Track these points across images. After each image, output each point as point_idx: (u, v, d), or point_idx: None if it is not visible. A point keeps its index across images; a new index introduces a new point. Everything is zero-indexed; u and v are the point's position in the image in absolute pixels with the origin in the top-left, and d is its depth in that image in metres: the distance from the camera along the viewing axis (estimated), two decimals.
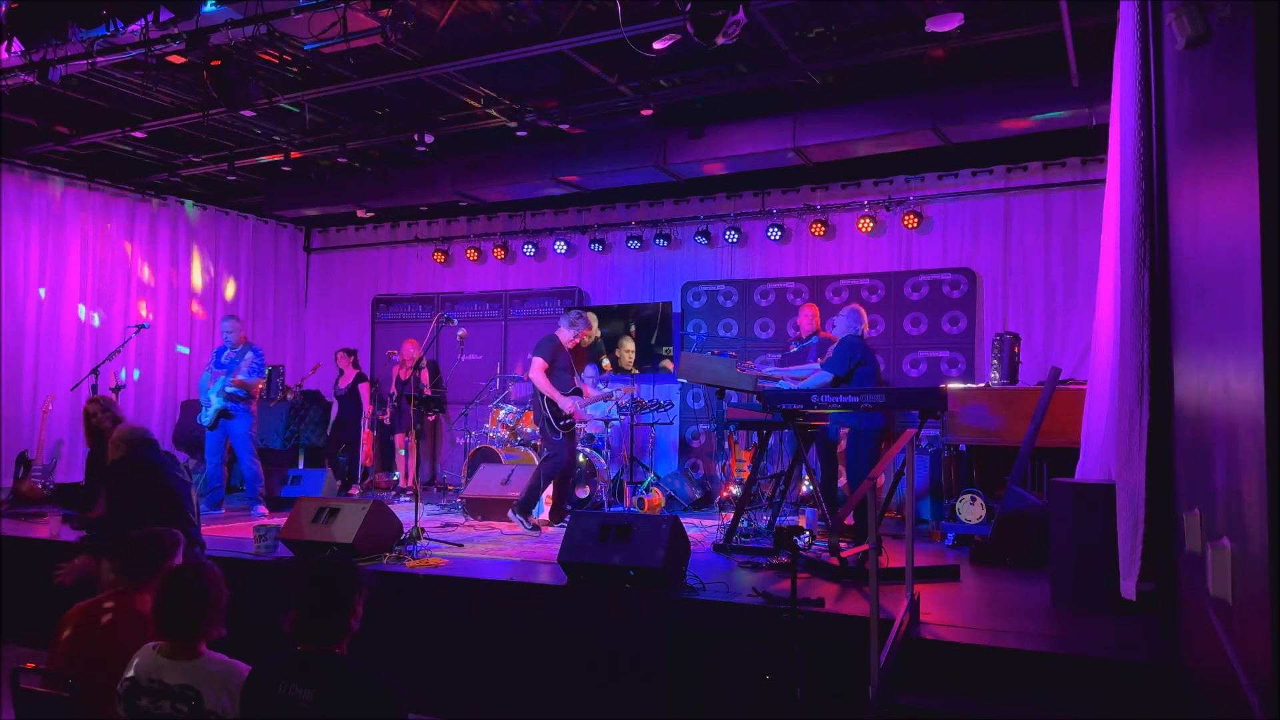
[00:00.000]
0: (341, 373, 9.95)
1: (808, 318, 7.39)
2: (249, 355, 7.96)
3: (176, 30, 5.80)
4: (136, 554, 3.29)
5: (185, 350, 10.89)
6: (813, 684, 4.08)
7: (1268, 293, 1.41)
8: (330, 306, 12.26)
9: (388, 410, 9.72)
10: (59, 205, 9.76)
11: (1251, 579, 1.63)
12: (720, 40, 5.02)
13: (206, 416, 7.97)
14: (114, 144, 9.06)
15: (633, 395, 7.98)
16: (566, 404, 6.95)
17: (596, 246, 10.39)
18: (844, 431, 6.69)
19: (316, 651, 2.55)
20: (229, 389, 7.87)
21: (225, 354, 8.08)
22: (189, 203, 10.94)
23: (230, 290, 11.46)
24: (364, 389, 9.85)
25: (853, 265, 9.34)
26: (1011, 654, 3.92)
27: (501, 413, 8.84)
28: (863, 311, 6.71)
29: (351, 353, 10.10)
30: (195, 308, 11.05)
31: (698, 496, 8.91)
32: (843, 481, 7.62)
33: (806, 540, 5.60)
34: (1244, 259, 1.58)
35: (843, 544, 5.44)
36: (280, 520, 6.03)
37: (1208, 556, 2.07)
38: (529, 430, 8.58)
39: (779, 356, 7.65)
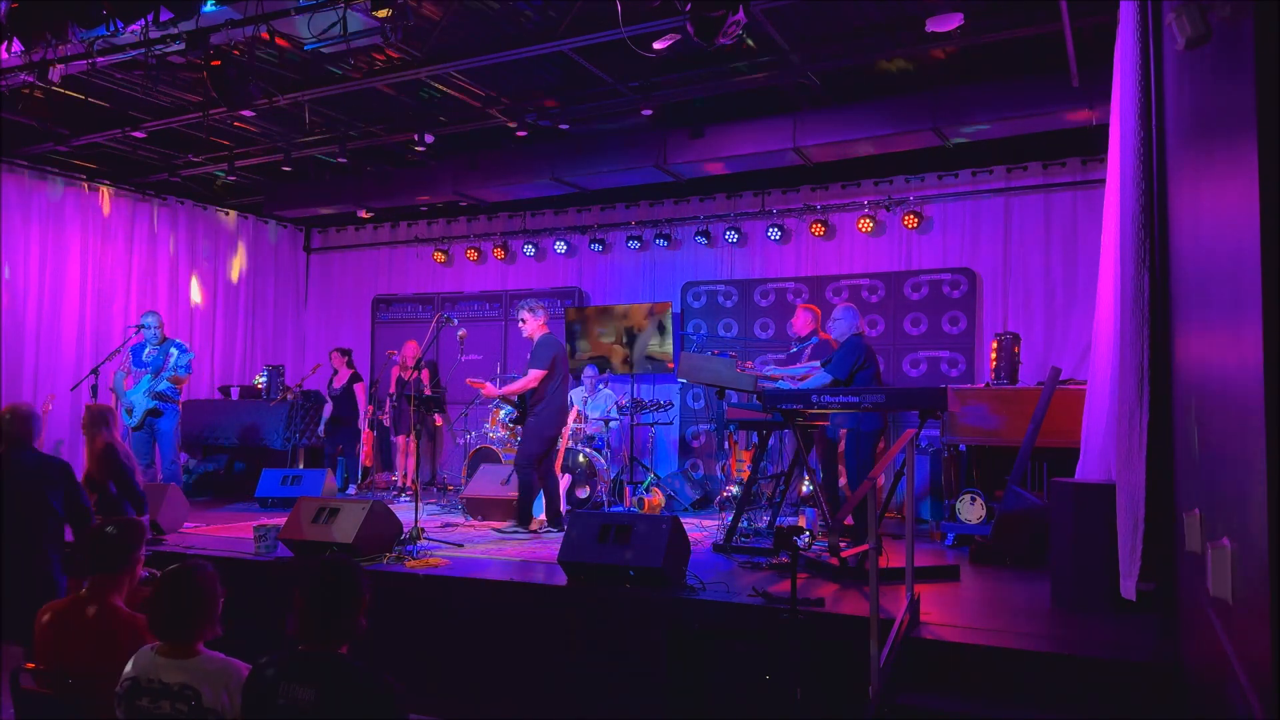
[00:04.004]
0: (336, 372, 9.91)
1: (803, 319, 7.26)
2: (174, 351, 7.62)
3: (176, 30, 5.80)
4: (104, 546, 3.26)
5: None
6: (813, 684, 4.08)
7: (1267, 293, 1.42)
8: (330, 306, 12.25)
9: (387, 410, 9.71)
10: (59, 205, 9.76)
11: (1251, 579, 1.63)
12: (720, 40, 5.01)
13: (134, 418, 7.58)
14: (114, 144, 9.06)
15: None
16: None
17: (596, 246, 10.39)
18: (843, 432, 6.69)
19: (318, 651, 2.55)
20: (160, 388, 7.55)
21: (145, 351, 7.74)
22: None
23: (229, 291, 11.45)
24: (359, 389, 9.83)
25: (853, 265, 9.33)
26: (1011, 654, 3.93)
27: (501, 413, 8.84)
28: (858, 310, 6.67)
29: (346, 352, 10.07)
30: (195, 305, 11.04)
31: (697, 496, 8.91)
32: (843, 482, 7.61)
33: (806, 540, 5.60)
34: (1244, 259, 1.58)
35: (843, 544, 5.43)
36: (280, 520, 6.04)
37: (1208, 556, 2.06)
38: None
39: (781, 357, 7.62)
